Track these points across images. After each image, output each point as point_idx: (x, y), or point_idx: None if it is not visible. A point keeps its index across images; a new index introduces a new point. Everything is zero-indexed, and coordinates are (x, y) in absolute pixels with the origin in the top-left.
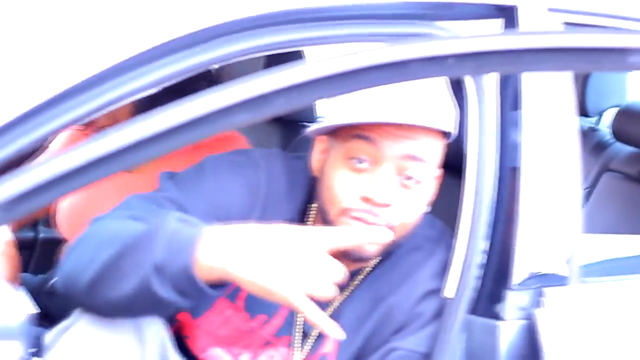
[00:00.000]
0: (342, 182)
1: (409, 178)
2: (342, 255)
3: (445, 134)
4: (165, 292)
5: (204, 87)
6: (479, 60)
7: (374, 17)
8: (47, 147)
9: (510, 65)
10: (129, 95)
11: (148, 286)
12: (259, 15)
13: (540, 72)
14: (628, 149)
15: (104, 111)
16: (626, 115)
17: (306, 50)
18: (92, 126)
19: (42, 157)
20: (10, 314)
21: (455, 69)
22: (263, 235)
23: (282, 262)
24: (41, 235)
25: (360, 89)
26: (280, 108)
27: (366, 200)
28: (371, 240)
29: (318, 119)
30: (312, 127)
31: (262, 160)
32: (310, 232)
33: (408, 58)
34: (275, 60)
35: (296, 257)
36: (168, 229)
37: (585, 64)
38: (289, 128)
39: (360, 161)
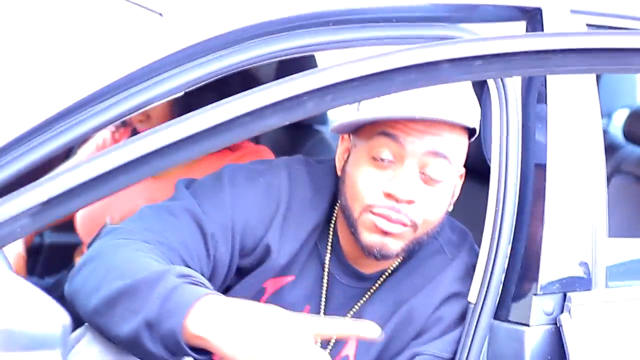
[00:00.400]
0: (365, 179)
1: (432, 175)
2: (365, 253)
3: (469, 132)
4: (153, 347)
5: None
6: (507, 62)
7: (400, 20)
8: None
9: (538, 67)
10: (164, 96)
11: (139, 336)
12: (282, 19)
13: (568, 74)
14: None
15: (139, 111)
16: (639, 117)
17: (327, 54)
18: (127, 127)
19: (72, 161)
20: (47, 323)
21: (483, 71)
22: (256, 317)
23: (267, 350)
24: (47, 240)
25: (391, 92)
26: (312, 110)
27: (389, 196)
28: (361, 335)
29: (330, 122)
30: (336, 124)
31: (284, 168)
32: (302, 322)
33: (437, 59)
34: (286, 66)
35: (282, 347)
36: (167, 285)
37: (614, 65)
38: (302, 131)
39: (384, 158)
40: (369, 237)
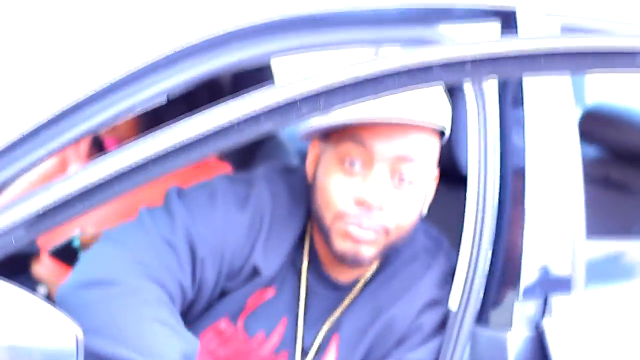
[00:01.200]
0: (335, 186)
1: (402, 179)
2: (338, 260)
3: (440, 133)
4: None
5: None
6: (498, 64)
7: (375, 22)
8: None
9: (528, 69)
10: (135, 108)
11: None
12: (259, 24)
13: (558, 75)
14: (593, 152)
15: (109, 125)
16: (595, 116)
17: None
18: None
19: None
20: (60, 337)
21: (474, 74)
22: None
23: None
24: None
25: (383, 95)
26: (306, 115)
27: (360, 203)
28: None
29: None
30: (304, 129)
31: (266, 186)
32: None
33: (428, 62)
34: (242, 78)
35: None
36: None
37: (599, 66)
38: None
39: (353, 163)
40: (341, 245)
